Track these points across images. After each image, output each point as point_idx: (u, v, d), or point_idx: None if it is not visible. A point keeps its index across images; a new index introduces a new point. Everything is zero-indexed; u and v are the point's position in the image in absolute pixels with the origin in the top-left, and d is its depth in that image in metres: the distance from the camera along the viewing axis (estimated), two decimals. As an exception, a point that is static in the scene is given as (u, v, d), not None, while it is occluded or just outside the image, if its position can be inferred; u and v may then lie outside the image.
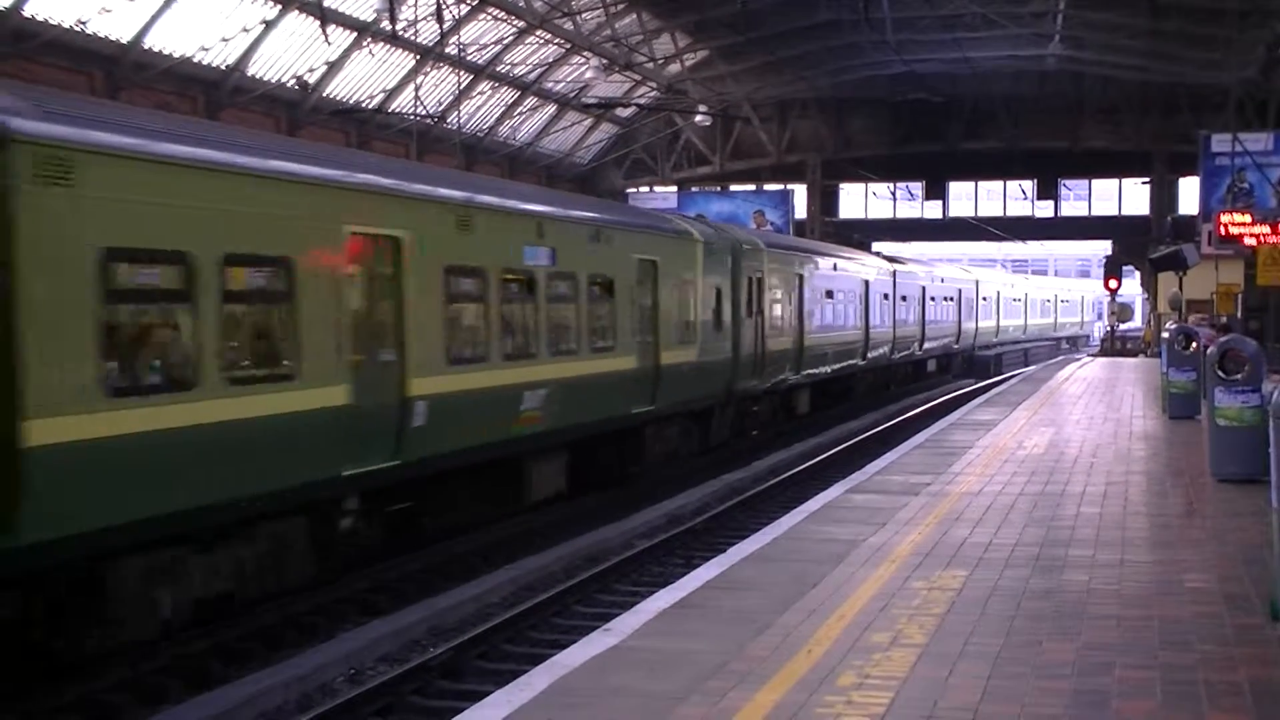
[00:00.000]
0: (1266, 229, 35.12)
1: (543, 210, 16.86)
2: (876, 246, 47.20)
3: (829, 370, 30.83)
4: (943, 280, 45.35)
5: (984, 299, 52.61)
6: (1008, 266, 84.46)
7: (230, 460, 10.64)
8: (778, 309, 26.58)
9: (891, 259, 39.48)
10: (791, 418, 28.84)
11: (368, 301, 12.73)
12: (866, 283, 34.55)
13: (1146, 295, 51.00)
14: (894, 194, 55.52)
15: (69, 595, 9.81)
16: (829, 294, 30.87)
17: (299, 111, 35.33)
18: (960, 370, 48.64)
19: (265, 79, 33.74)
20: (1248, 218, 36.63)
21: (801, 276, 28.37)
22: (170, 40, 30.17)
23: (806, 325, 28.47)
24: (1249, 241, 35.58)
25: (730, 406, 23.82)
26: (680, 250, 21.33)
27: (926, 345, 42.50)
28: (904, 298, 38.89)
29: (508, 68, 41.53)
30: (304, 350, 11.57)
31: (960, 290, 48.08)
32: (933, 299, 42.99)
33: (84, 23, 27.54)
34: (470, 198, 14.87)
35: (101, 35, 28.44)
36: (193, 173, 10.42)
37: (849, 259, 34.26)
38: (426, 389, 13.34)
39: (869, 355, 34.69)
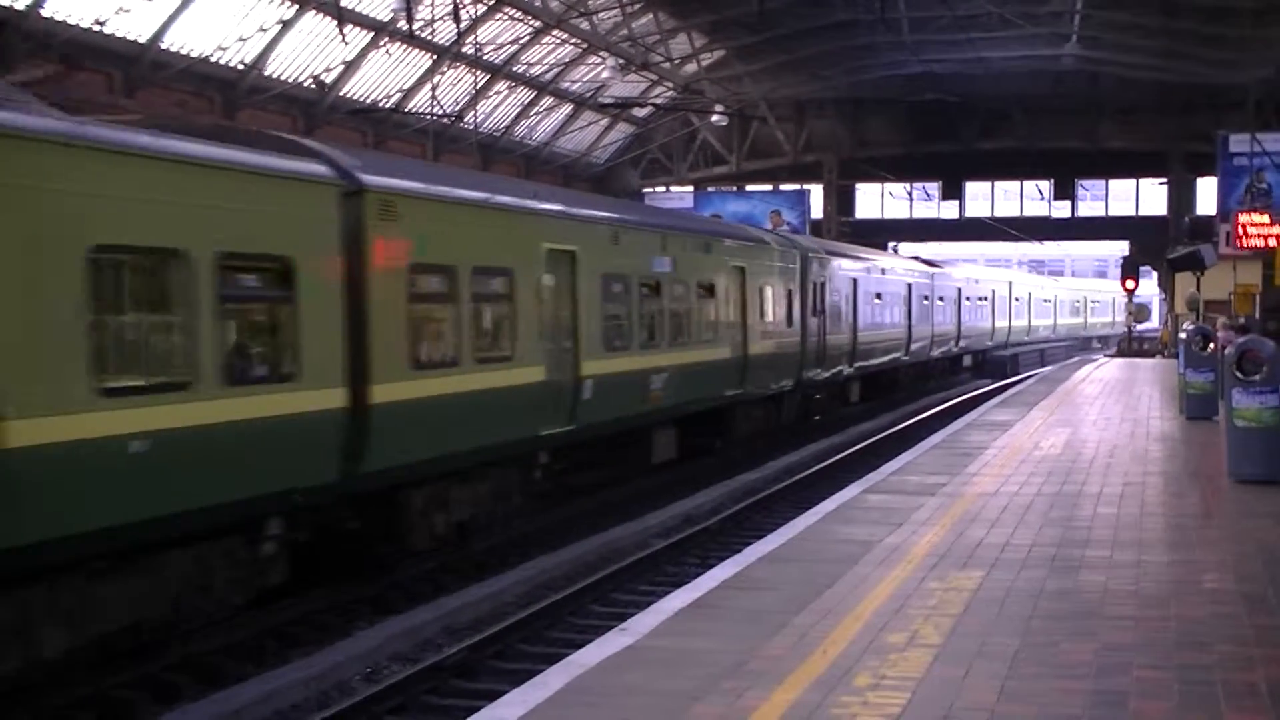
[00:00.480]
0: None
1: (666, 225, 20.64)
2: (897, 249, 47.89)
3: (877, 364, 33.58)
4: (977, 282, 48.00)
5: (1016, 299, 54.82)
6: (1024, 266, 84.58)
7: (477, 419, 13.98)
8: (836, 309, 29.32)
9: (930, 263, 41.96)
10: (845, 404, 31.92)
11: (554, 300, 15.91)
12: (909, 285, 37.26)
13: (1164, 296, 50.80)
14: (910, 194, 55.39)
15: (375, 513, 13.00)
16: (878, 296, 33.59)
17: (316, 111, 35.38)
18: (994, 366, 50.21)
19: (282, 78, 33.78)
20: (1266, 218, 36.49)
21: (856, 280, 31.12)
22: (188, 40, 30.24)
23: (859, 323, 31.22)
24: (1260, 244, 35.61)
25: (798, 392, 26.82)
26: (762, 257, 24.49)
27: (962, 342, 45.22)
28: (941, 299, 41.43)
29: (524, 67, 41.52)
30: (518, 338, 14.92)
31: (994, 291, 50.51)
32: (968, 299, 45.58)
33: (102, 22, 27.58)
34: (619, 218, 18.70)
35: (119, 35, 28.49)
36: (458, 208, 14.06)
37: (894, 264, 37.10)
38: (592, 370, 16.71)
39: (911, 350, 37.32)
